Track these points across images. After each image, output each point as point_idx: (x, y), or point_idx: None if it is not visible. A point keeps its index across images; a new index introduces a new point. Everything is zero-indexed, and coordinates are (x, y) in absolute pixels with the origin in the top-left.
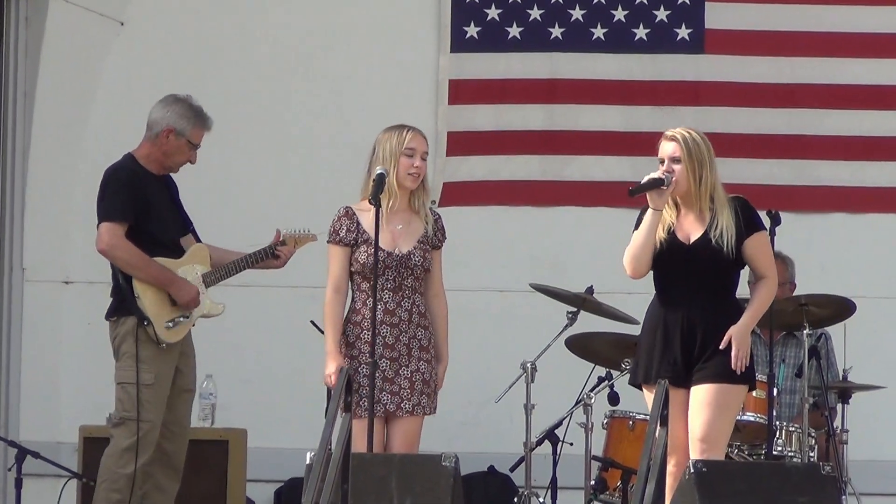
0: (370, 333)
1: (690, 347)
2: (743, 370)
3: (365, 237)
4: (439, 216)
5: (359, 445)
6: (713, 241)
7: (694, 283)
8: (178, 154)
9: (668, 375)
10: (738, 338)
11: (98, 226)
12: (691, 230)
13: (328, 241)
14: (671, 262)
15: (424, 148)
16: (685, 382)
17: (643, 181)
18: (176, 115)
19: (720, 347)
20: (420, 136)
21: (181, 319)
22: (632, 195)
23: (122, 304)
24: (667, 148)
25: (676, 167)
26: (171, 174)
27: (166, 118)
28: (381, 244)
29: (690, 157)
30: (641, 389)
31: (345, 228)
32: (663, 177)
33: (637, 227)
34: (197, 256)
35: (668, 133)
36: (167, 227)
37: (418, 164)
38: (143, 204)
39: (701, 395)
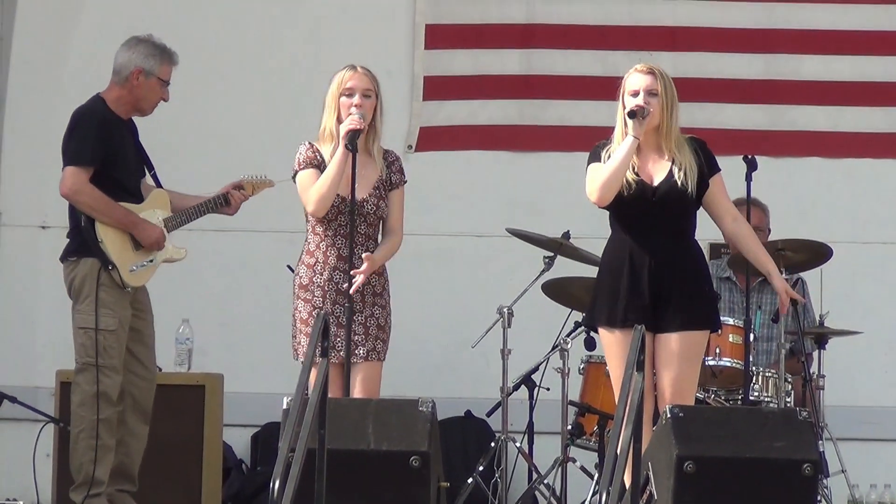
0: (322, 278)
1: (658, 290)
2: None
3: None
4: (397, 157)
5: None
6: (679, 182)
7: (658, 224)
8: (151, 94)
9: (639, 319)
10: (789, 291)
11: (63, 169)
12: (654, 171)
13: (299, 170)
14: (636, 202)
15: (366, 85)
16: (652, 327)
17: (635, 108)
18: (142, 56)
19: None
20: (360, 74)
21: (145, 264)
22: (632, 118)
23: (83, 245)
24: (643, 80)
25: (653, 100)
26: (135, 118)
27: (133, 60)
28: (336, 190)
29: (666, 92)
30: (597, 332)
31: (312, 156)
32: (645, 107)
33: (591, 161)
34: (158, 201)
35: (643, 66)
36: (131, 173)
37: (358, 102)
38: (109, 149)
39: (670, 346)
